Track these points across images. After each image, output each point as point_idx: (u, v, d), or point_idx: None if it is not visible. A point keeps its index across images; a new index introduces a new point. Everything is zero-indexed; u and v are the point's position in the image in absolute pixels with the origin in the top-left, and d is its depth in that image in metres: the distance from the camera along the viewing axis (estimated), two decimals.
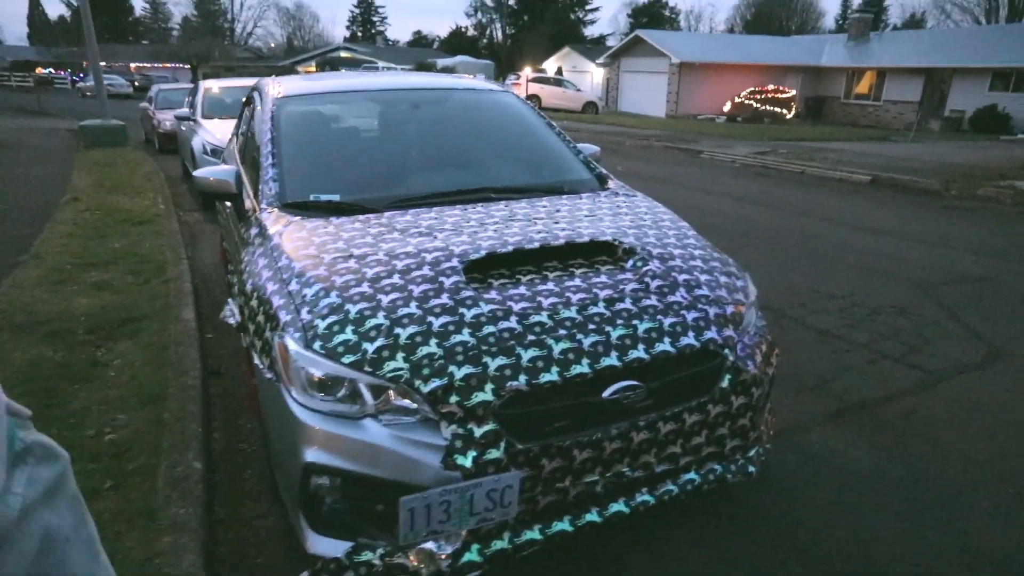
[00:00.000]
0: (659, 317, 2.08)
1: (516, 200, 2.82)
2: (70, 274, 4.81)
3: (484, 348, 1.87)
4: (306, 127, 3.19)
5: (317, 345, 1.89)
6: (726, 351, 2.12)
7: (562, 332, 1.95)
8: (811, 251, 6.10)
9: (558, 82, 30.04)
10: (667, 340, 2.03)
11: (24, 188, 8.42)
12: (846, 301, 4.72)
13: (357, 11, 73.53)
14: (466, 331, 1.91)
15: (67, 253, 5.35)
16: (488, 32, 61.25)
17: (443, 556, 1.84)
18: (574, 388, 1.89)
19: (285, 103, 3.25)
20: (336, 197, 2.73)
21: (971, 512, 2.45)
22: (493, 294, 2.07)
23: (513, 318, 1.96)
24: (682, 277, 2.29)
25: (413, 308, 1.97)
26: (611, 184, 3.23)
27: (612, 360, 1.93)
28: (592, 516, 2.01)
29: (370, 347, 1.86)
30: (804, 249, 6.17)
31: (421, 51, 52.95)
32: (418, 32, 72.88)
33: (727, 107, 25.10)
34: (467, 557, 1.87)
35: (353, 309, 1.97)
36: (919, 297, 4.84)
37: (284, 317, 2.03)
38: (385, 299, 2.00)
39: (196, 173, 3.05)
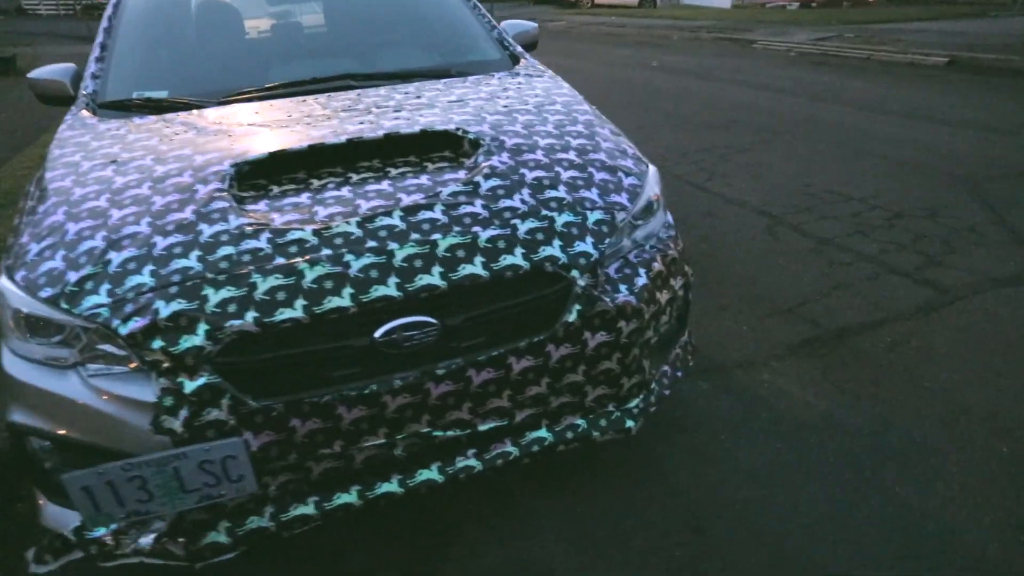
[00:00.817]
0: (476, 229, 1.54)
1: (376, 87, 2.27)
2: (14, 199, 4.61)
3: (210, 276, 1.40)
4: (154, 13, 2.68)
5: (20, 276, 1.48)
6: (574, 273, 1.57)
7: (325, 253, 1.45)
8: (844, 146, 5.18)
9: None
10: (479, 260, 1.50)
11: (28, 112, 8.34)
12: (865, 204, 3.92)
13: None
14: (195, 254, 1.44)
15: (27, 178, 5.16)
16: None
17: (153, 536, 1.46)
18: (331, 327, 1.41)
19: None
20: (164, 93, 2.26)
21: (936, 482, 1.86)
22: (260, 205, 1.59)
23: (265, 236, 1.47)
24: (533, 175, 1.71)
25: (143, 226, 1.51)
26: (522, 64, 2.60)
27: (388, 289, 1.42)
28: (390, 486, 1.57)
29: (73, 277, 1.43)
30: (836, 144, 5.25)
31: None
32: None
33: None
34: (212, 537, 1.48)
35: (73, 229, 1.53)
36: (961, 196, 3.97)
37: (9, 241, 1.63)
38: (116, 215, 1.55)
39: (30, 74, 2.62)
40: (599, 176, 1.78)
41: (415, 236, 1.50)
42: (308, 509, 1.53)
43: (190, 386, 1.35)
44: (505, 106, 2.08)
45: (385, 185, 1.66)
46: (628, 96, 7.67)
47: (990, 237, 3.38)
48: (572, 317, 1.57)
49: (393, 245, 1.48)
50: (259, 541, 1.51)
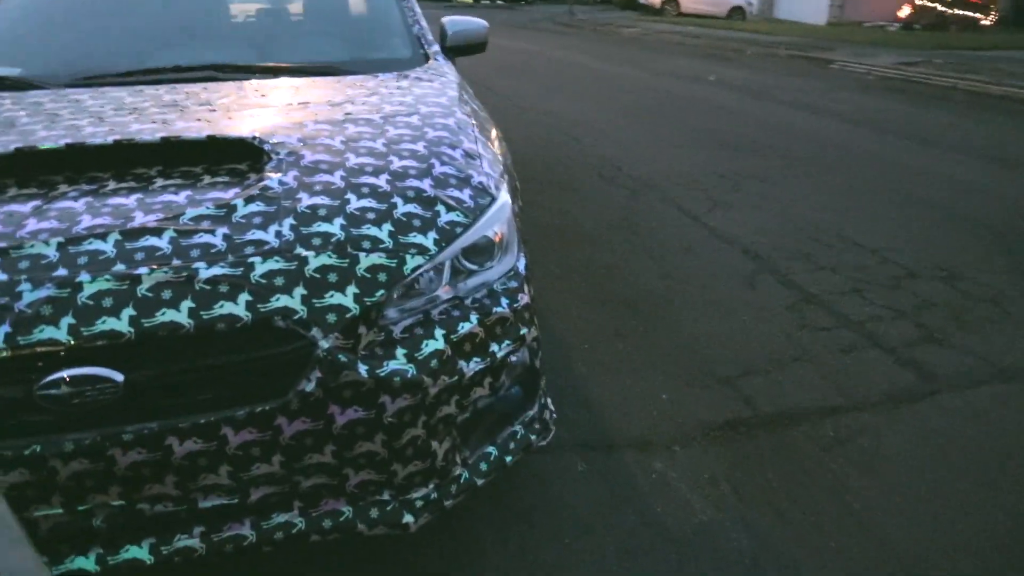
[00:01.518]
0: (198, 265, 1.24)
1: (234, 81, 2.01)
2: None
3: None
4: None
5: None
6: (315, 332, 1.24)
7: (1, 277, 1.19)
8: (883, 185, 4.57)
9: None
10: (186, 304, 1.20)
11: None
12: (876, 256, 3.37)
13: None
14: None
15: None
16: None
17: None
18: None
19: None
20: (16, 71, 2.07)
21: None
22: None
23: None
24: (311, 202, 1.40)
25: None
26: (427, 65, 2.29)
27: (56, 332, 1.14)
28: (84, 562, 1.29)
29: None
30: (874, 182, 4.64)
31: None
32: None
33: (904, 12, 20.88)
34: None
35: None
36: (995, 259, 3.36)
37: None
38: None
39: None
40: (404, 208, 1.44)
41: (119, 268, 1.22)
42: None
43: None
44: (348, 114, 1.77)
45: (131, 199, 1.38)
46: (663, 109, 7.17)
47: (1014, 315, 2.80)
48: (310, 387, 1.25)
49: (84, 277, 1.20)
50: None
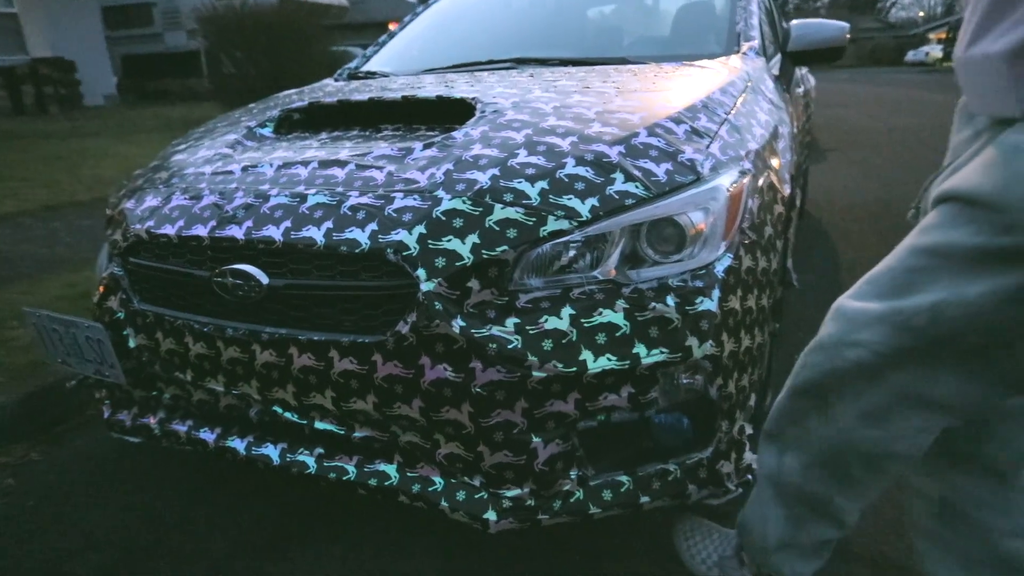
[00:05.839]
0: (351, 193, 1.30)
1: (517, 69, 2.10)
2: None
3: (172, 188, 1.53)
4: (449, 5, 2.99)
5: None
6: (420, 273, 1.17)
7: (230, 186, 1.44)
8: None
9: None
10: (326, 225, 1.26)
11: None
12: None
13: None
14: (189, 171, 1.60)
15: None
16: None
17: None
18: (189, 253, 1.40)
19: None
20: (388, 69, 2.54)
21: None
22: (258, 143, 1.67)
23: (235, 165, 1.53)
24: (479, 151, 1.33)
25: (201, 150, 1.72)
26: (726, 57, 2.01)
27: (235, 231, 1.33)
28: (237, 444, 1.47)
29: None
30: None
31: None
32: None
33: None
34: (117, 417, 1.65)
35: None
36: None
37: None
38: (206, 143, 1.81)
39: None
40: (571, 170, 1.26)
41: (299, 188, 1.36)
42: (182, 428, 1.56)
43: (106, 270, 1.54)
44: (587, 87, 1.66)
45: (354, 141, 1.53)
46: None
47: None
48: (405, 329, 1.18)
49: (273, 191, 1.37)
50: (149, 439, 1.61)
